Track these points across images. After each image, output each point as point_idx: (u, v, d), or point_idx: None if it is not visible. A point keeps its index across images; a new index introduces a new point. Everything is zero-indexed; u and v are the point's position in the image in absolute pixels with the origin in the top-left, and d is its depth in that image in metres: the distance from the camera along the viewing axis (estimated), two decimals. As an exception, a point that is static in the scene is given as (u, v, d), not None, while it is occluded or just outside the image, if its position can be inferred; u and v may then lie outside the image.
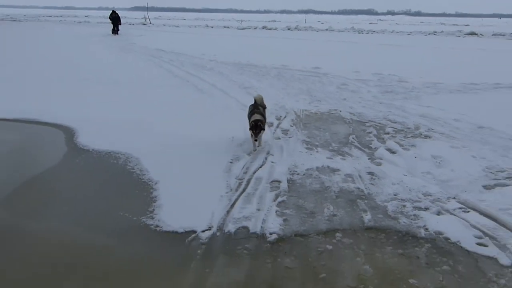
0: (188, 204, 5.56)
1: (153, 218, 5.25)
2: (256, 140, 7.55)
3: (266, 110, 8.32)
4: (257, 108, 7.89)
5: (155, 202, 5.66)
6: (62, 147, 7.80)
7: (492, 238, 4.86)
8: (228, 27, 48.69)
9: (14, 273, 4.30)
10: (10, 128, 8.95)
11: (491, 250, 4.61)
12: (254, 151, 7.55)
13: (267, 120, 9.05)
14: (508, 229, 5.04)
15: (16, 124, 9.21)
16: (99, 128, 8.61)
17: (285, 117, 9.96)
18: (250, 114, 7.76)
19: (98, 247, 4.76)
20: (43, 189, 6.15)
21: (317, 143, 8.17)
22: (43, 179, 6.49)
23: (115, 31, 33.84)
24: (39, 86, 12.71)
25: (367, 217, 5.34)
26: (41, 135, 8.63)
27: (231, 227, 5.07)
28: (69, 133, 8.52)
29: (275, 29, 47.03)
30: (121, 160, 7.06)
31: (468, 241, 4.78)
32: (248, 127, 7.60)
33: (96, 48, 23.62)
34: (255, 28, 47.29)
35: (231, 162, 6.95)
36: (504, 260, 4.44)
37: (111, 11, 35.12)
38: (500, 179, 6.43)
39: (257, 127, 7.40)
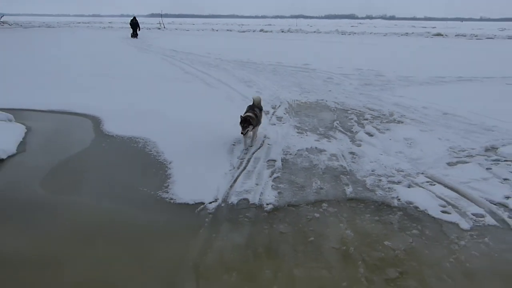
0: (197, 180, 5.55)
1: (167, 192, 5.25)
2: (244, 134, 6.64)
3: (262, 112, 7.72)
4: (253, 109, 7.16)
5: (169, 178, 5.65)
6: (90, 133, 7.76)
7: (454, 206, 4.87)
8: (230, 30, 48.26)
9: (52, 240, 4.31)
10: (47, 118, 8.89)
11: (453, 217, 4.62)
12: (245, 149, 6.78)
13: (264, 109, 9.02)
14: (468, 199, 5.04)
15: (51, 114, 9.15)
16: (121, 117, 8.55)
17: (279, 106, 9.91)
18: (244, 113, 7.05)
19: (122, 216, 4.77)
20: (75, 169, 6.13)
21: (306, 128, 8.13)
22: (75, 160, 6.46)
23: (134, 35, 33.40)
24: (69, 82, 12.62)
25: (349, 189, 5.34)
26: (72, 123, 8.57)
27: (234, 199, 5.07)
28: (95, 121, 8.47)
29: (271, 31, 46.61)
30: (140, 144, 7.03)
31: (434, 210, 4.78)
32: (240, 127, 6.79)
33: (117, 49, 23.43)
34: (253, 31, 46.89)
35: (233, 144, 6.92)
36: (464, 225, 4.45)
37: (131, 18, 34.77)
38: (461, 157, 6.42)
39: (245, 121, 6.63)
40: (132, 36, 33.08)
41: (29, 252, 4.08)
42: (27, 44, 23.45)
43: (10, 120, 7.97)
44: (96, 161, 6.47)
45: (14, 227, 4.55)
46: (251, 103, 7.50)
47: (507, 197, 5.05)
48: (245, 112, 7.07)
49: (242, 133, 6.60)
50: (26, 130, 7.77)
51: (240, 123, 6.70)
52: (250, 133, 6.94)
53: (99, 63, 16.57)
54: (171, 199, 5.08)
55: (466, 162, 6.19)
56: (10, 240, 4.32)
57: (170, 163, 6.17)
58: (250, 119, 6.71)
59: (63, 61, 17.10)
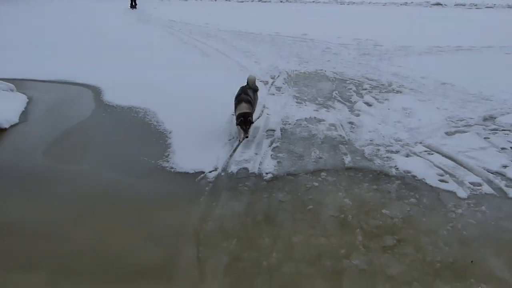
0: (197, 150, 5.48)
1: (168, 162, 5.19)
2: (247, 137, 5.54)
3: (258, 93, 6.54)
4: (246, 93, 5.95)
5: (169, 148, 5.58)
6: (91, 103, 7.64)
7: (452, 175, 4.82)
8: (229, 0, 47.27)
9: (55, 208, 4.28)
10: (48, 88, 8.74)
11: (451, 186, 4.58)
12: (240, 141, 5.68)
13: (263, 79, 8.87)
14: (465, 168, 5.00)
15: (52, 84, 8.99)
16: (121, 87, 8.39)
17: (278, 76, 9.73)
18: (237, 102, 5.79)
19: (123, 185, 4.73)
20: (77, 139, 6.07)
21: (305, 98, 8.01)
22: (77, 130, 6.39)
23: (133, 5, 32.57)
24: (69, 52, 12.35)
25: (347, 159, 5.28)
26: (73, 93, 8.43)
27: (233, 168, 5.02)
28: (96, 91, 8.32)
29: (269, 1, 45.63)
30: (140, 114, 6.92)
31: (432, 178, 4.74)
32: (235, 122, 5.67)
33: (116, 20, 22.88)
34: (252, 1, 45.93)
35: (233, 114, 6.79)
36: (461, 193, 4.42)
37: None
38: (459, 127, 6.34)
39: (246, 123, 5.49)
40: (131, 7, 32.22)
41: (33, 220, 4.07)
42: (26, 15, 22.93)
43: (11, 90, 7.82)
44: (97, 130, 6.39)
45: (18, 196, 4.53)
46: (245, 84, 6.33)
47: (505, 166, 5.00)
48: (237, 98, 5.84)
49: (246, 137, 5.49)
50: (27, 100, 7.64)
51: (239, 123, 5.51)
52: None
53: (99, 34, 16.16)
54: (172, 168, 5.03)
55: (464, 132, 6.12)
56: (15, 208, 4.31)
57: (170, 132, 6.08)
58: (250, 116, 5.58)
59: (62, 32, 16.70)
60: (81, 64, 10.67)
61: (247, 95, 5.91)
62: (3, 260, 3.53)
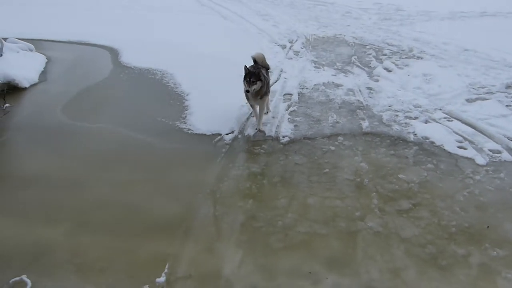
0: (214, 112, 5.46)
1: (185, 123, 5.20)
2: (249, 92, 4.76)
3: (269, 73, 5.66)
4: (256, 71, 4.88)
5: (187, 110, 5.58)
6: (109, 64, 7.64)
7: (471, 142, 4.74)
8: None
9: (75, 163, 4.37)
10: (66, 49, 8.73)
11: (469, 152, 4.51)
12: (257, 129, 5.05)
13: (281, 43, 8.71)
14: (485, 135, 4.89)
15: (70, 45, 8.98)
16: (138, 49, 8.34)
17: (296, 40, 9.53)
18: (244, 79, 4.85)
19: (142, 143, 4.79)
20: (95, 98, 6.10)
21: (323, 63, 7.86)
22: (95, 90, 6.43)
23: None
24: (86, 13, 12.26)
25: (365, 124, 5.22)
26: (91, 54, 8.41)
27: (250, 131, 5.01)
28: (113, 52, 8.30)
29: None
30: (158, 76, 6.90)
31: (450, 145, 4.67)
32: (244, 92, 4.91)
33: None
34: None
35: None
36: (480, 160, 4.35)
37: None
38: (480, 94, 6.17)
39: (251, 74, 4.75)
40: None
41: (54, 173, 4.18)
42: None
43: (31, 50, 7.85)
44: (115, 91, 6.40)
45: (40, 151, 4.65)
46: (253, 64, 5.33)
47: (525, 134, 4.88)
48: (247, 75, 4.83)
49: (246, 90, 4.77)
50: (46, 60, 7.69)
51: (245, 77, 4.78)
52: (257, 107, 5.14)
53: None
54: (189, 129, 5.05)
55: (486, 99, 5.95)
56: (37, 162, 4.42)
57: (187, 95, 6.07)
58: (260, 73, 4.87)
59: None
60: (98, 25, 10.60)
61: (258, 69, 4.99)
62: (25, 211, 3.64)
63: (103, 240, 3.32)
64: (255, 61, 5.33)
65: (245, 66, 4.85)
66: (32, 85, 6.50)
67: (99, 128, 5.17)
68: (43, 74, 7.00)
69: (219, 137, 4.85)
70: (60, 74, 7.14)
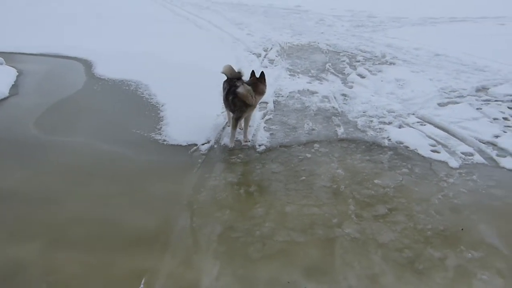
0: (190, 122, 5.41)
1: (161, 134, 5.14)
2: (236, 125, 4.77)
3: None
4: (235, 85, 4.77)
5: (162, 121, 5.52)
6: (82, 76, 7.53)
7: (444, 146, 4.83)
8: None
9: (49, 178, 4.25)
10: (38, 61, 8.57)
11: (443, 156, 4.59)
12: (247, 141, 4.94)
13: (256, 52, 8.73)
14: (457, 138, 5.00)
15: (42, 58, 8.83)
16: (112, 60, 8.25)
17: (271, 48, 9.59)
18: (229, 96, 4.75)
19: (117, 156, 4.70)
20: (68, 111, 5.97)
21: (298, 70, 7.92)
22: (68, 103, 6.28)
23: None
24: (58, 26, 12.05)
25: (340, 130, 5.26)
26: (64, 67, 8.29)
27: (226, 140, 4.98)
28: (87, 64, 8.18)
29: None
30: (132, 87, 6.82)
31: (424, 149, 4.74)
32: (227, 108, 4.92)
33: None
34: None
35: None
36: (453, 163, 4.43)
37: None
38: (452, 98, 6.32)
39: (241, 96, 4.60)
40: None
41: (27, 189, 4.05)
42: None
43: (1, 64, 7.67)
44: (89, 103, 6.29)
45: (12, 166, 4.50)
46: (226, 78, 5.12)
47: (496, 136, 5.01)
48: (226, 88, 4.87)
49: (236, 118, 4.69)
50: (17, 73, 7.51)
51: (229, 99, 4.68)
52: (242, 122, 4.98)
53: (88, 6, 15.80)
54: (164, 140, 4.99)
55: (457, 103, 6.10)
56: (9, 178, 4.28)
57: (162, 105, 6.01)
58: (248, 92, 4.61)
59: (50, 6, 16.26)
60: (71, 37, 10.45)
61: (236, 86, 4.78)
62: (-4, 230, 3.51)
63: (79, 256, 3.21)
64: (227, 75, 5.11)
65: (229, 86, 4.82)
66: (2, 99, 6.33)
67: (72, 141, 5.06)
68: (14, 88, 6.82)
69: (195, 147, 4.81)
70: (32, 87, 6.98)
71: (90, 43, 9.52)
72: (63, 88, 6.92)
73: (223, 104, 5.14)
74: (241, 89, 4.64)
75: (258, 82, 4.75)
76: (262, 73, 4.79)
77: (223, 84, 5.11)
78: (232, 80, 4.95)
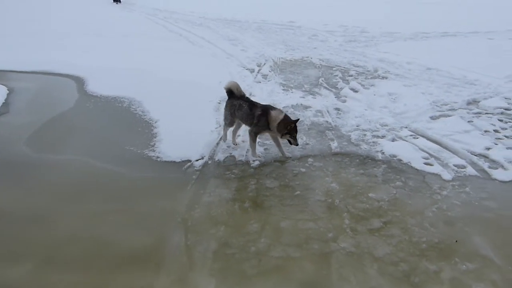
0: (183, 138, 5.45)
1: (154, 151, 5.17)
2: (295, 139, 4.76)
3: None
4: (252, 103, 4.98)
5: (155, 137, 5.55)
6: (74, 94, 7.54)
7: (436, 158, 4.90)
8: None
9: (41, 197, 4.25)
10: (29, 79, 8.57)
11: (436, 168, 4.66)
12: (287, 156, 4.99)
13: (249, 67, 8.82)
14: (450, 151, 5.08)
15: (34, 75, 8.82)
16: (105, 77, 8.28)
17: (264, 64, 9.71)
18: (260, 115, 4.81)
19: (111, 173, 4.71)
20: (61, 129, 5.98)
21: (292, 85, 8.02)
22: (60, 121, 6.30)
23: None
24: (51, 43, 12.11)
25: (334, 144, 5.32)
26: (56, 84, 8.30)
27: (220, 156, 5.02)
28: (79, 82, 8.20)
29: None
30: (125, 103, 6.86)
31: (417, 162, 4.81)
32: (279, 133, 4.75)
33: (100, 9, 22.53)
34: (237, -11, 45.30)
35: (219, 102, 6.78)
36: (446, 176, 4.49)
37: None
38: (444, 111, 6.43)
39: (296, 129, 4.73)
40: (114, 1, 28.78)
41: (21, 208, 4.05)
42: (2, 7, 22.39)
43: (-10, 82, 7.69)
44: (81, 121, 6.31)
45: (3, 185, 4.49)
46: (234, 97, 5.12)
47: (488, 148, 5.10)
48: (230, 109, 5.08)
49: (256, 133, 4.87)
50: (8, 92, 7.50)
51: (289, 132, 4.70)
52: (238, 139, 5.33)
53: (82, 24, 15.91)
54: (158, 157, 5.01)
55: (449, 116, 6.20)
56: (2, 196, 4.26)
57: (156, 122, 6.05)
58: (277, 119, 4.70)
59: (44, 23, 16.37)
60: (63, 54, 10.48)
61: (257, 104, 4.98)
62: (-13, 251, 3.50)
63: (72, 276, 3.21)
64: (230, 91, 5.13)
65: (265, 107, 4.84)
66: (-7, 118, 6.34)
67: (65, 159, 5.07)
68: (5, 106, 6.83)
69: (189, 163, 4.84)
70: (23, 106, 6.99)
71: (82, 60, 9.57)
72: (55, 105, 6.94)
73: (226, 119, 5.23)
74: (274, 112, 4.75)
75: (285, 122, 4.68)
76: (295, 123, 4.71)
77: (234, 102, 5.05)
78: (244, 98, 5.06)
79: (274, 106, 5.07)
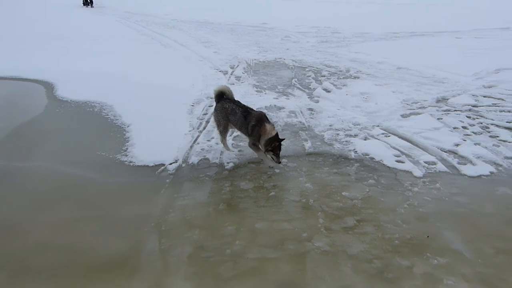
0: (156, 142, 5.39)
1: (127, 155, 5.09)
2: (278, 157, 4.62)
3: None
4: (247, 109, 4.88)
5: (128, 142, 5.47)
6: (44, 99, 7.36)
7: (408, 156, 4.99)
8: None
9: (11, 205, 4.12)
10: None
11: (407, 166, 4.74)
12: (271, 166, 4.79)
13: (222, 69, 8.81)
14: (420, 148, 5.18)
15: (1, 81, 8.58)
16: (75, 81, 8.13)
17: (237, 65, 9.70)
18: (255, 124, 4.70)
19: (82, 180, 4.60)
20: (30, 135, 5.82)
21: (265, 86, 8.04)
22: (29, 127, 6.14)
23: (87, 2, 25.99)
24: (18, 47, 11.82)
25: (308, 144, 5.36)
26: (24, 90, 8.10)
27: (194, 159, 4.98)
28: (48, 87, 8.02)
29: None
30: (96, 108, 6.73)
31: (389, 159, 4.89)
32: (263, 148, 4.68)
33: (70, 13, 22.11)
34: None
35: (192, 105, 6.75)
36: (417, 172, 4.58)
37: None
38: (414, 109, 6.55)
39: (280, 147, 4.63)
40: (84, 4, 26.08)
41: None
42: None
43: (-46, 89, 7.43)
44: (51, 127, 6.16)
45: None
46: (223, 99, 5.06)
47: (457, 145, 5.22)
48: (221, 113, 4.95)
49: (279, 162, 4.63)
50: (-27, 99, 7.29)
51: (272, 149, 4.59)
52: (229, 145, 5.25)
53: (52, 27, 15.56)
54: (131, 162, 4.94)
55: (419, 114, 6.33)
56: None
57: (128, 126, 5.96)
58: (270, 132, 4.62)
59: (11, 28, 15.95)
60: (32, 59, 10.25)
61: (252, 111, 4.87)
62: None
63: (46, 285, 3.14)
64: (221, 95, 5.07)
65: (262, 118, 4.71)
66: (-42, 126, 6.12)
67: (34, 166, 4.93)
68: (-29, 114, 6.63)
69: (162, 167, 4.78)
70: (-9, 112, 6.79)
71: (51, 65, 9.36)
72: (24, 112, 6.76)
73: (219, 125, 5.07)
74: (269, 126, 4.66)
75: (272, 140, 4.60)
76: (280, 142, 4.65)
77: (225, 105, 4.95)
78: (236, 102, 4.97)
79: (267, 115, 4.89)
